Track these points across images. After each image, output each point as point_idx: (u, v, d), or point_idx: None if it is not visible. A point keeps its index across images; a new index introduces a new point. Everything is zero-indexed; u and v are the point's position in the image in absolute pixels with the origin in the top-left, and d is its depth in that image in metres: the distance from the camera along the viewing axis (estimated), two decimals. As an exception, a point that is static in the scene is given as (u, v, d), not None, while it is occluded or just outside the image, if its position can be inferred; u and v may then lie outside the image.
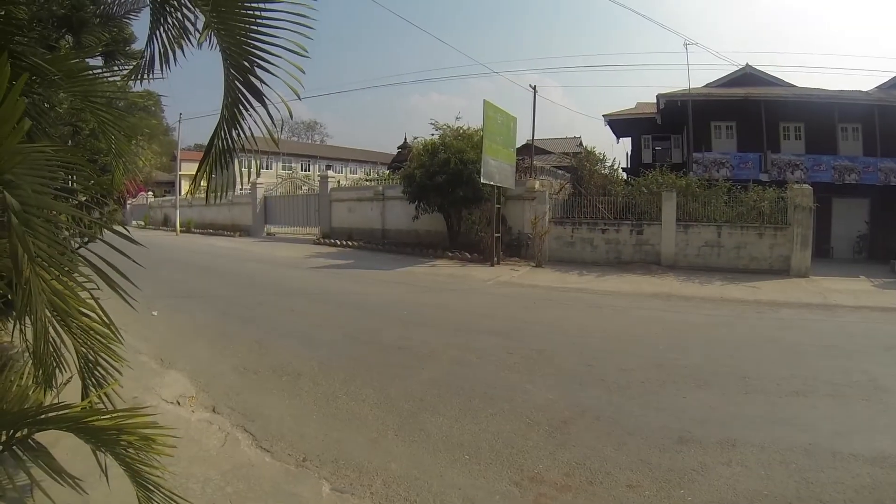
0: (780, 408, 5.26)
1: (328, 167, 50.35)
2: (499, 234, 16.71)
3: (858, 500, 3.62)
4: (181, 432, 3.93)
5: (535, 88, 24.21)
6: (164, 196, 47.21)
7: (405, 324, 8.59)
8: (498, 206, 16.83)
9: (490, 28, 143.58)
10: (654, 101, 27.02)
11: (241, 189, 36.64)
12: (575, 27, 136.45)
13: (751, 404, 5.33)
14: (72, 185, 2.88)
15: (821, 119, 24.02)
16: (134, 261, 2.14)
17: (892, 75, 27.49)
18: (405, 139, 40.59)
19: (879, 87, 26.99)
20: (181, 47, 2.83)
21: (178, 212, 34.98)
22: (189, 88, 75.50)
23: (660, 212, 16.92)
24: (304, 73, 2.48)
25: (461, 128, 19.01)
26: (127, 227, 2.28)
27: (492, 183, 15.82)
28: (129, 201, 45.60)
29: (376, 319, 8.90)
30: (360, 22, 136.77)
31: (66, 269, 2.01)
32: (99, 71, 3.30)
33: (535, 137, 25.42)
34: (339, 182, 29.30)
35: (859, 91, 25.70)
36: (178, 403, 5.02)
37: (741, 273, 15.54)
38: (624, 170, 29.37)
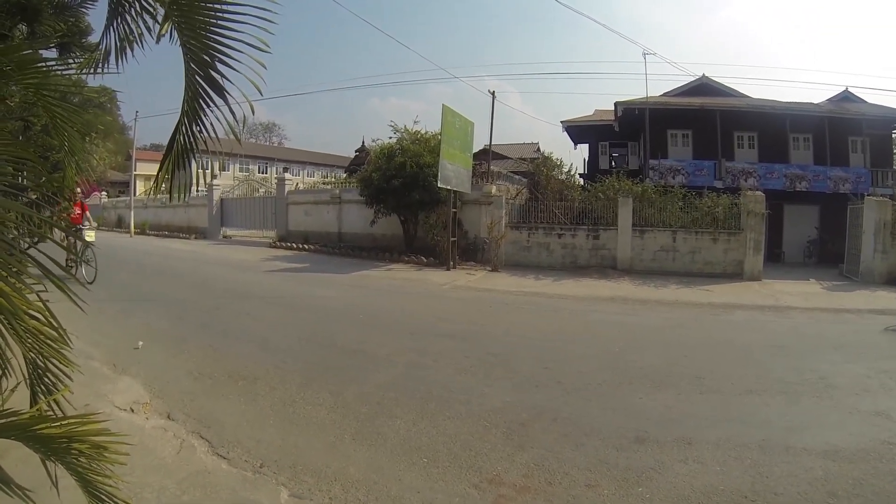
0: (734, 406, 5.40)
1: (286, 169, 49.62)
2: (455, 239, 16.75)
3: (811, 492, 3.74)
4: (135, 440, 3.87)
5: (493, 94, 24.37)
6: (118, 196, 45.91)
7: (361, 327, 8.53)
8: (454, 210, 16.87)
9: (452, 34, 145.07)
10: (613, 108, 27.54)
11: (197, 190, 35.99)
12: (537, 35, 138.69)
13: (706, 403, 5.46)
14: (22, 182, 2.78)
15: (774, 129, 25.19)
16: (87, 263, 2.07)
17: (842, 89, 29.47)
18: (363, 142, 40.48)
19: (829, 100, 28.68)
20: (139, 41, 2.79)
21: (132, 213, 34.11)
22: (147, 86, 74.42)
23: (616, 217, 17.24)
24: (265, 68, 2.46)
25: (419, 132, 19.09)
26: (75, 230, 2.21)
27: (448, 187, 15.85)
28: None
29: (332, 323, 8.83)
30: (320, 24, 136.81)
31: (14, 269, 1.94)
32: (53, 63, 3.19)
33: (492, 142, 25.60)
34: (296, 185, 28.85)
35: (810, 103, 27.03)
36: (132, 410, 4.86)
37: (696, 277, 15.98)
38: (581, 175, 29.79)
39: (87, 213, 12.35)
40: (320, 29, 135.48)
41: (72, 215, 10.52)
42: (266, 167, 63.92)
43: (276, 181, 28.98)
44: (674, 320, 10.10)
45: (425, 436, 4.45)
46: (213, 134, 2.63)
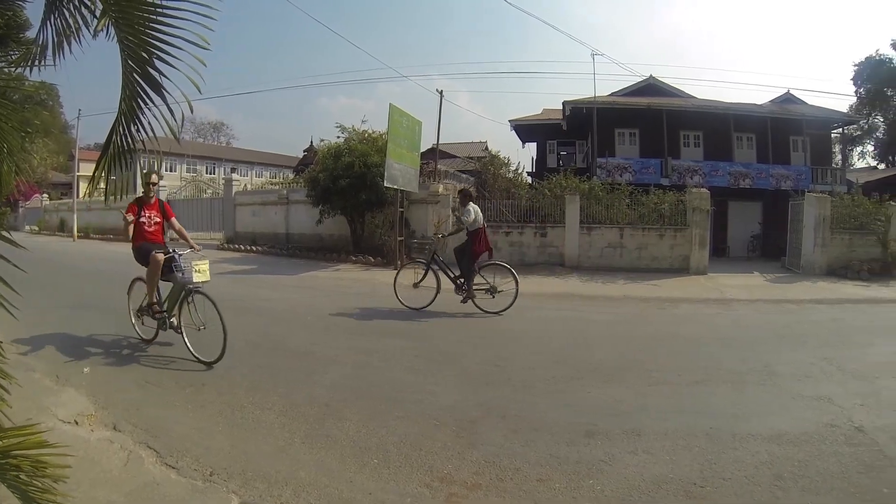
0: (682, 397, 5.54)
1: (233, 170, 48.67)
2: (402, 238, 16.68)
3: (758, 475, 3.88)
4: (80, 453, 3.76)
5: (441, 93, 24.49)
6: (60, 199, 43.68)
7: (310, 329, 8.42)
8: (401, 209, 16.79)
9: (403, 33, 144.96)
10: (561, 107, 28.18)
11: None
12: (488, 35, 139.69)
13: (654, 395, 5.57)
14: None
15: (718, 128, 26.33)
16: (21, 269, 1.98)
17: (784, 91, 31.19)
18: (311, 142, 40.08)
19: (772, 101, 30.37)
20: (77, 36, 2.71)
21: (75, 216, 32.56)
22: (93, 83, 72.28)
23: (563, 215, 17.47)
24: (206, 66, 2.42)
25: (367, 131, 18.96)
26: (9, 233, 2.11)
27: (395, 187, 15.77)
28: (21, 204, 42.74)
29: (280, 325, 8.68)
30: (270, 22, 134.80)
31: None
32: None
33: (441, 141, 25.73)
34: (244, 185, 28.20)
35: (754, 104, 28.58)
36: (76, 423, 4.64)
37: (643, 272, 16.35)
38: (529, 174, 30.23)
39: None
40: (271, 27, 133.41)
41: (149, 227, 6.83)
42: (214, 167, 63.04)
43: (223, 182, 28.36)
44: (622, 315, 10.31)
45: (375, 436, 4.41)
46: (151, 134, 2.57)
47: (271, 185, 30.09)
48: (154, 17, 2.38)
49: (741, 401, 5.45)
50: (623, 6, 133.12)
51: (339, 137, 18.86)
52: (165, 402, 5.19)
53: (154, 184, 6.93)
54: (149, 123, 2.54)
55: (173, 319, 6.57)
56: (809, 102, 31.05)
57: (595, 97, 26.09)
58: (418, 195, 18.15)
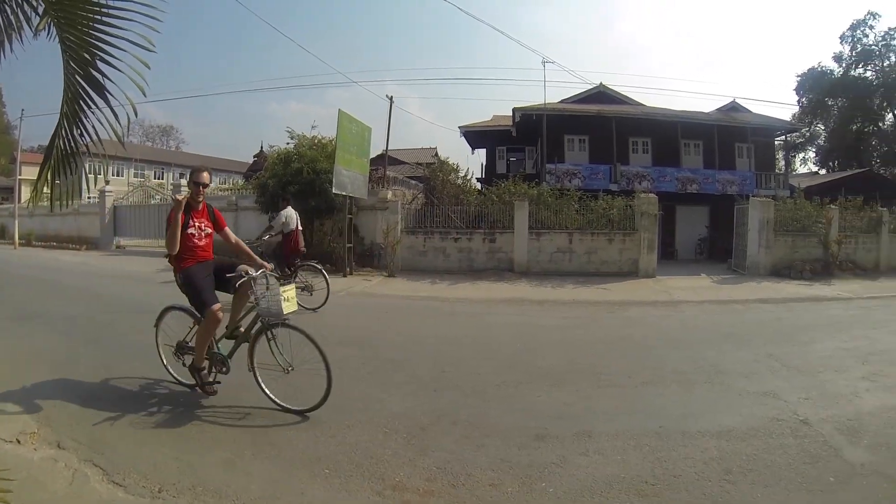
0: (631, 398, 5.62)
1: (182, 175, 47.57)
2: (351, 245, 16.60)
3: (708, 471, 3.97)
4: (22, 473, 3.66)
5: (391, 99, 24.46)
6: (1, 204, 42.15)
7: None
8: (350, 216, 16.73)
9: (355, 38, 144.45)
10: (511, 114, 28.53)
11: (88, 197, 33.76)
12: (439, 42, 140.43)
13: (604, 397, 5.63)
14: None
15: (666, 135, 27.24)
16: None
17: (730, 100, 32.77)
18: (261, 147, 39.55)
19: (719, 110, 31.83)
20: (18, 34, 2.61)
21: (16, 222, 31.35)
22: (35, 84, 69.98)
23: (512, 220, 17.61)
24: (149, 68, 2.38)
25: (316, 137, 18.88)
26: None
27: (344, 193, 15.73)
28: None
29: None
30: (221, 25, 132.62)
31: None
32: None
33: (390, 148, 25.68)
34: None
35: (701, 112, 29.81)
36: (18, 441, 4.39)
37: (592, 276, 16.64)
38: (478, 180, 30.58)
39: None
40: (222, 30, 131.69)
41: (199, 240, 5.40)
42: (163, 172, 62.00)
43: (172, 187, 27.62)
44: (571, 319, 10.41)
45: (325, 446, 4.33)
46: (95, 137, 2.50)
47: (221, 191, 29.57)
48: (98, 17, 2.33)
49: (689, 400, 5.57)
50: (576, 16, 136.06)
51: (288, 143, 18.75)
52: (111, 416, 4.98)
53: (205, 185, 5.43)
54: (93, 127, 2.49)
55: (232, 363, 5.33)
56: (754, 111, 32.67)
57: (545, 104, 26.53)
58: (367, 202, 18.09)
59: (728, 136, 27.81)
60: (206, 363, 5.21)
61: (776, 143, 33.06)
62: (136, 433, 4.62)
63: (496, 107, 78.67)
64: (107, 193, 28.10)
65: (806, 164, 54.77)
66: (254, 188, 20.28)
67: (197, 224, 5.34)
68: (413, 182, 25.22)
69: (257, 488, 3.71)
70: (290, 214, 11.12)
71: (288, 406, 4.98)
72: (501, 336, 8.88)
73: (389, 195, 18.57)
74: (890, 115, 44.68)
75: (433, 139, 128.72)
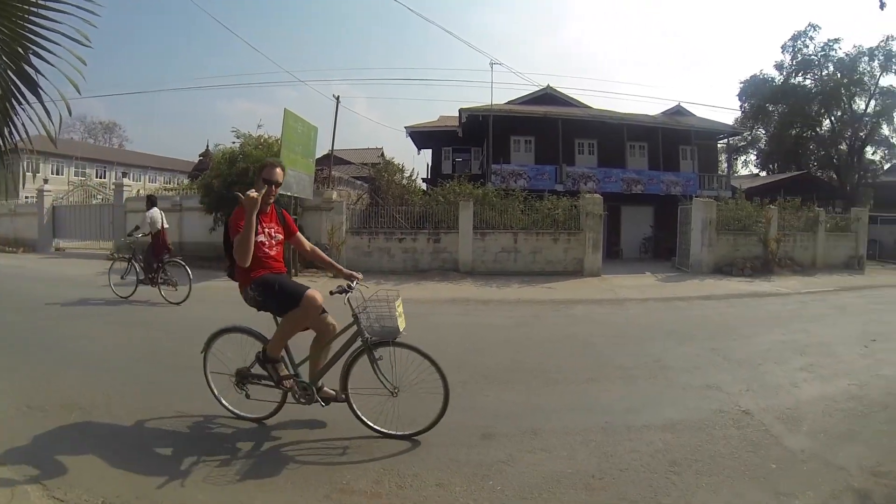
0: (577, 395, 5.68)
1: (125, 174, 46.11)
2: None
3: (654, 463, 4.07)
4: None
5: (338, 98, 24.36)
6: None
7: (199, 341, 8.00)
8: (295, 216, 16.47)
9: (304, 37, 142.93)
10: (457, 115, 28.78)
11: (26, 197, 32.34)
12: (388, 42, 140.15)
13: (551, 395, 5.68)
14: None
15: (612, 137, 27.87)
16: None
17: (675, 104, 34.15)
18: (207, 147, 38.60)
19: (664, 113, 33.03)
20: None
21: None
22: None
23: (457, 220, 17.70)
24: (85, 64, 2.27)
25: (262, 136, 18.56)
26: None
27: (289, 193, 15.52)
28: None
29: (174, 339, 8.17)
30: (167, 21, 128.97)
31: None
32: None
33: (336, 148, 25.54)
34: (137, 191, 26.59)
35: (646, 115, 30.80)
36: None
37: (538, 276, 16.85)
38: (424, 180, 30.81)
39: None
40: (168, 26, 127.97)
41: (270, 248, 4.57)
42: (105, 171, 59.33)
43: (114, 187, 26.66)
44: (517, 318, 10.47)
45: (272, 452, 4.24)
46: (26, 136, 2.39)
47: (165, 190, 28.73)
48: (32, 9, 2.25)
49: (635, 395, 5.67)
50: (525, 19, 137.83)
51: (234, 143, 18.41)
52: (52, 428, 4.75)
53: (278, 183, 4.54)
54: (22, 125, 2.41)
55: (327, 389, 4.65)
56: (699, 115, 34.13)
57: (491, 105, 26.85)
58: (312, 202, 17.93)
59: (673, 139, 28.74)
60: (283, 363, 4.61)
61: (719, 145, 34.31)
62: (78, 446, 4.33)
63: (446, 107, 79.33)
64: (45, 193, 26.99)
65: (747, 167, 57.16)
66: (199, 188, 19.81)
67: (267, 230, 4.54)
68: (358, 182, 25.14)
69: (205, 498, 3.59)
70: (155, 215, 11.89)
71: (387, 430, 4.51)
72: (447, 336, 8.83)
73: (334, 195, 18.46)
74: (827, 122, 46.66)
75: (380, 139, 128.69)
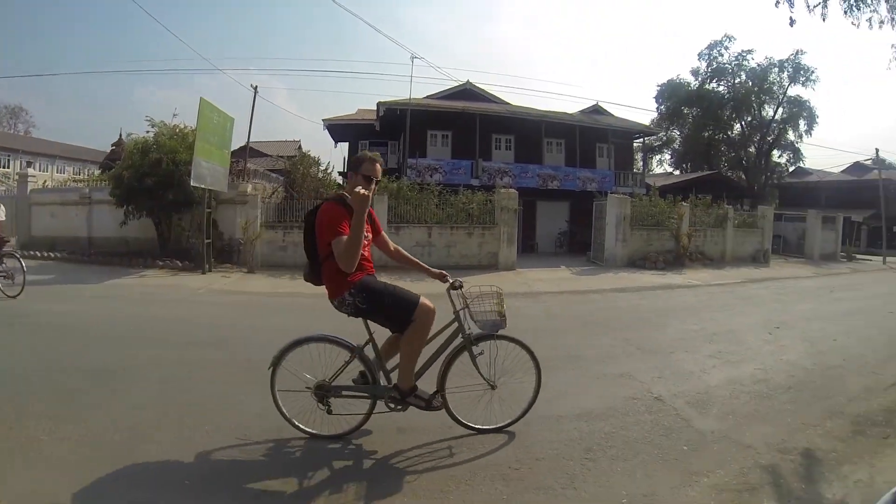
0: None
1: (30, 164, 42.93)
2: (210, 240, 15.88)
3: (569, 451, 4.13)
4: None
5: (256, 88, 23.64)
6: None
7: (112, 343, 7.54)
8: (209, 210, 16.05)
9: (226, 25, 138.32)
10: (375, 108, 28.60)
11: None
12: (310, 34, 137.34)
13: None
14: None
15: (530, 133, 28.49)
16: None
17: (593, 103, 35.27)
18: (120, 136, 36.74)
19: (582, 111, 33.96)
20: None
21: None
22: None
23: (373, 214, 17.48)
24: None
25: (178, 126, 17.87)
26: None
27: (203, 186, 15.00)
28: None
29: (79, 341, 7.69)
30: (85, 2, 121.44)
31: None
32: None
33: (254, 140, 24.91)
34: (44, 182, 24.86)
35: (565, 113, 31.52)
36: None
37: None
38: (340, 174, 30.39)
39: None
40: (82, 6, 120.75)
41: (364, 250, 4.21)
42: (9, 160, 54.64)
43: (17, 177, 24.88)
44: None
45: (186, 456, 4.00)
46: None
47: (74, 182, 27.11)
48: None
49: (550, 385, 5.62)
50: (451, 16, 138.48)
51: (148, 132, 17.58)
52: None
53: (378, 180, 4.27)
54: None
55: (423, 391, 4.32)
56: (617, 114, 35.23)
57: (410, 99, 26.78)
58: (227, 195, 17.39)
59: (590, 137, 29.66)
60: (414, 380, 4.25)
61: (635, 144, 35.96)
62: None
63: (367, 101, 78.69)
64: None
65: (662, 166, 60.12)
66: (109, 180, 18.76)
67: None
68: (274, 175, 24.68)
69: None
70: None
71: (477, 425, 4.45)
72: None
73: (249, 188, 18.08)
74: (738, 126, 50.64)
75: (299, 132, 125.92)
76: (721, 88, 50.00)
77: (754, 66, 47.87)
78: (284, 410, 4.37)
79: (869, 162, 43.41)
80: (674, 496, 3.62)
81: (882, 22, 10.42)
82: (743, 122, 50.30)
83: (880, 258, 31.52)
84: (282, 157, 29.64)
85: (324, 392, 4.24)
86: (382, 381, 4.31)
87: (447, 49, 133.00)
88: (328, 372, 4.27)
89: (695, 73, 51.35)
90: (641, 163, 41.42)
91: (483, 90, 32.30)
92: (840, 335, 9.15)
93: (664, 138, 55.37)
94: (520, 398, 4.55)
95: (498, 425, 4.46)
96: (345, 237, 3.78)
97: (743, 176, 49.82)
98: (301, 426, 4.34)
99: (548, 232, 27.96)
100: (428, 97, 31.17)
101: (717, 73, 49.72)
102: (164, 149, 16.28)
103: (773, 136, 49.73)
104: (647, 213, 21.37)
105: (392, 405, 4.25)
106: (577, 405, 5.08)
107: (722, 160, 52.52)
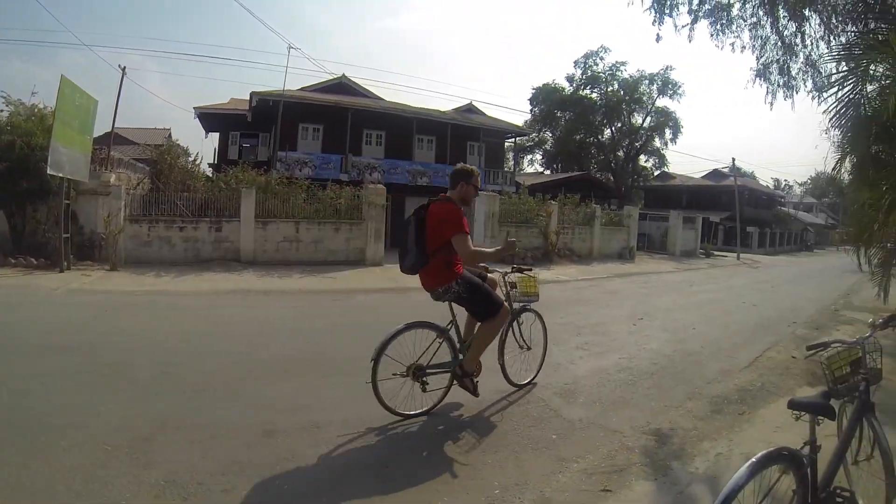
0: (359, 386, 5.48)
1: None
2: (68, 235, 14.60)
3: (442, 444, 4.32)
4: None
5: (124, 69, 22.19)
6: None
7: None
8: (67, 201, 14.69)
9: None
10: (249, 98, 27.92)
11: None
12: (194, 17, 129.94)
13: (331, 387, 5.67)
14: None
15: (402, 130, 28.84)
16: None
17: (467, 102, 36.69)
18: None
19: (455, 110, 35.07)
20: None
21: None
22: None
23: (240, 209, 17.10)
24: None
25: (36, 106, 16.20)
26: None
27: (61, 174, 13.83)
28: None
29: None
30: None
31: None
32: None
33: (120, 126, 23.42)
34: None
35: (438, 110, 32.46)
36: None
37: (320, 265, 16.88)
38: (211, 165, 29.95)
39: None
40: None
41: None
42: None
43: None
44: (298, 309, 10.36)
45: (40, 476, 3.63)
46: None
47: None
48: None
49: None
50: (335, 7, 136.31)
51: (2, 111, 15.96)
52: None
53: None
54: None
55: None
56: (490, 114, 36.46)
57: (283, 90, 26.34)
58: (88, 185, 15.99)
59: (462, 135, 30.45)
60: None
61: (507, 144, 37.59)
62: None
63: (243, 91, 75.98)
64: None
65: (533, 165, 63.36)
66: None
67: None
68: (140, 165, 23.36)
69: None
70: None
71: (516, 381, 5.66)
72: (228, 329, 8.50)
73: (113, 179, 16.82)
74: (608, 131, 54.96)
75: (171, 120, 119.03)
76: (594, 95, 53.75)
77: (627, 77, 52.17)
78: (384, 399, 4.70)
79: (726, 169, 48.20)
80: (545, 483, 3.75)
81: (744, 47, 12.06)
82: (613, 128, 54.39)
83: (735, 255, 35.63)
84: (149, 145, 28.31)
85: (419, 372, 4.78)
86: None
87: (324, 40, 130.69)
88: (415, 355, 4.84)
89: (570, 79, 54.93)
90: (513, 162, 43.10)
91: (358, 85, 32.45)
92: (699, 324, 10.05)
93: (536, 139, 58.34)
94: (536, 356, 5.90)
95: (528, 380, 5.78)
96: (469, 237, 4.72)
97: (611, 178, 53.94)
98: (400, 410, 4.75)
99: (416, 227, 28.16)
100: (302, 89, 30.74)
101: (592, 80, 53.38)
102: (19, 131, 14.83)
103: (640, 142, 54.81)
104: (516, 210, 22.24)
105: (454, 381, 5.00)
106: (446, 400, 5.13)
107: (592, 162, 56.66)
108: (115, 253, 15.10)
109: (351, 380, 5.75)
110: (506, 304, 5.10)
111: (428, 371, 4.83)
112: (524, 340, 5.73)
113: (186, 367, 6.23)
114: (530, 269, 6.00)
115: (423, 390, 4.81)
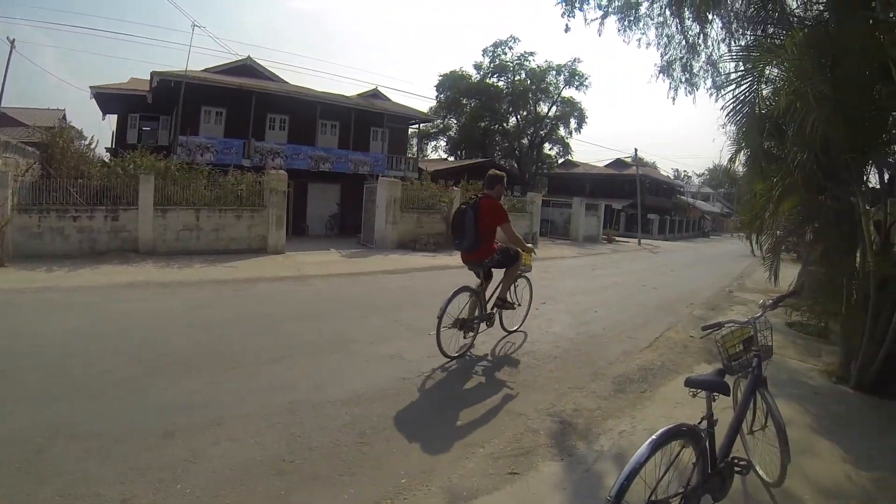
0: (260, 377, 5.56)
1: None
2: (-56, 226, 13.47)
3: (342, 437, 4.23)
4: None
5: (13, 42, 20.53)
6: None
7: None
8: (-54, 190, 13.58)
9: None
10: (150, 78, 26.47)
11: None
12: None
13: (233, 380, 5.49)
14: None
15: (305, 114, 28.13)
16: None
17: (373, 87, 36.52)
18: None
19: (360, 95, 34.77)
20: None
21: None
22: None
23: (137, 196, 16.20)
24: None
25: None
26: None
27: (-62, 160, 12.72)
28: None
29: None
30: None
31: None
32: None
33: (7, 105, 21.59)
34: None
35: (342, 95, 31.95)
36: None
37: (221, 254, 16.34)
38: (109, 150, 28.17)
39: None
40: None
41: None
42: None
43: None
44: (198, 300, 9.95)
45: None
46: None
47: None
48: None
49: (320, 371, 5.76)
50: None
51: None
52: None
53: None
54: None
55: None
56: (395, 100, 36.28)
57: (186, 71, 25.07)
58: (-30, 172, 14.83)
59: (365, 120, 30.09)
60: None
61: (411, 130, 37.27)
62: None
63: (143, 71, 71.69)
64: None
65: (437, 152, 62.92)
66: None
67: None
68: (30, 149, 21.77)
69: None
70: None
71: (510, 329, 7.92)
72: (126, 325, 7.96)
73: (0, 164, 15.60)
74: (514, 119, 55.90)
75: (66, 101, 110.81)
76: (501, 84, 54.58)
77: (535, 66, 53.10)
78: (444, 346, 6.27)
79: (629, 159, 49.37)
80: (452, 469, 3.86)
81: (650, 44, 12.76)
82: (519, 116, 55.43)
83: (636, 240, 37.20)
84: (41, 127, 26.50)
85: (465, 324, 6.54)
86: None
87: (231, 18, 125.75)
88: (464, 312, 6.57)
89: (478, 67, 55.43)
90: (416, 148, 43.17)
91: (264, 68, 31.39)
92: (600, 307, 10.51)
93: (441, 126, 58.44)
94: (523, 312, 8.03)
95: (516, 327, 8.00)
96: (510, 225, 6.91)
97: (515, 165, 54.82)
98: (452, 353, 6.42)
99: (319, 215, 27.88)
100: (206, 70, 29.39)
101: (499, 69, 54.12)
102: None
103: (545, 131, 56.23)
104: (418, 196, 22.15)
105: (493, 311, 7.09)
106: (347, 389, 5.17)
107: (496, 149, 57.45)
108: (1, 247, 14.12)
109: (254, 371, 5.76)
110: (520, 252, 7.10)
111: (470, 322, 6.58)
112: (517, 298, 7.48)
113: (81, 368, 5.80)
114: (532, 249, 7.57)
115: (465, 337, 6.62)
